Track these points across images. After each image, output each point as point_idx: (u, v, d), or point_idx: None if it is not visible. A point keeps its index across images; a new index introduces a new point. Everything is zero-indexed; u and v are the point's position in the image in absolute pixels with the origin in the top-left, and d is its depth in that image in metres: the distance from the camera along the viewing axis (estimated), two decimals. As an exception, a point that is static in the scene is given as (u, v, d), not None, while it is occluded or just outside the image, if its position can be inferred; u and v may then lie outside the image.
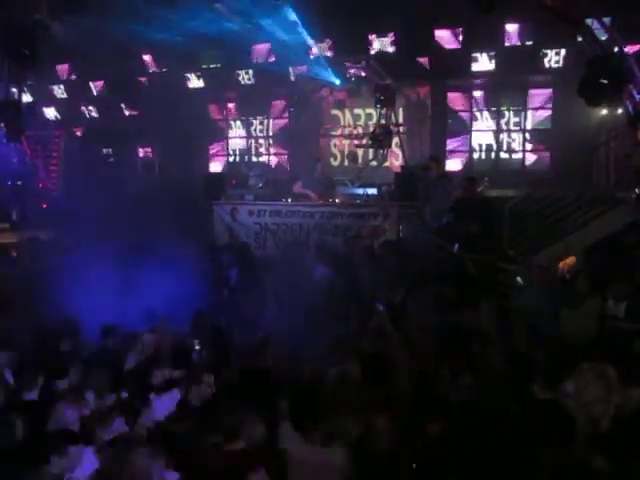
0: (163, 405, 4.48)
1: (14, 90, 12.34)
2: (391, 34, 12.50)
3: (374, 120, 13.75)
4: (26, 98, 14.78)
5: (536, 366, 4.48)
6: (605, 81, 8.11)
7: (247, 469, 3.41)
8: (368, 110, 14.26)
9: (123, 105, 15.07)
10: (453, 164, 13.73)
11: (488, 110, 13.63)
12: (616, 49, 8.41)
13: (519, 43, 11.77)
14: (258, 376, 4.31)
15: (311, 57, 13.03)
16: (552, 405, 3.79)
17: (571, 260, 8.56)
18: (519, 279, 7.40)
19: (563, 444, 3.40)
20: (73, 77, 15.34)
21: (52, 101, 15.56)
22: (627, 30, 9.08)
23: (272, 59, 13.51)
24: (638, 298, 5.99)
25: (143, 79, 14.69)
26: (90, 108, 15.51)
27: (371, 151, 13.36)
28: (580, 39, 9.21)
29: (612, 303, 6.12)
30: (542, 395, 4.06)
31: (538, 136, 13.34)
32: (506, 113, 13.53)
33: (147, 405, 4.39)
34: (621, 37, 8.59)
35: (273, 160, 15.67)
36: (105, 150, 15.93)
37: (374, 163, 13.21)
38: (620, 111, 9.69)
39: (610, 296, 6.12)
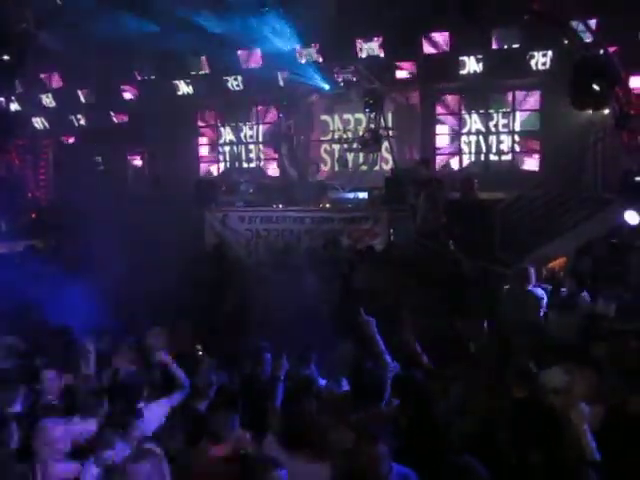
0: (153, 416, 4.44)
1: (2, 99, 12.31)
2: (379, 38, 12.53)
3: (363, 125, 13.80)
4: (14, 107, 14.75)
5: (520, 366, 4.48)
6: (596, 85, 8.16)
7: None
8: (357, 115, 14.29)
9: (112, 113, 15.02)
10: (443, 167, 13.78)
11: (477, 113, 13.69)
12: (601, 51, 8.47)
13: (506, 46, 11.83)
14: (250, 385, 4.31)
15: (299, 62, 13.04)
16: (535, 404, 3.81)
17: (561, 261, 8.61)
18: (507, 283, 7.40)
19: (551, 443, 3.42)
20: (61, 86, 15.27)
21: (41, 110, 15.49)
22: (612, 32, 9.17)
23: (260, 65, 13.51)
24: (628, 299, 6.02)
25: (132, 86, 14.66)
26: (79, 116, 15.45)
27: (361, 155, 13.40)
28: (566, 41, 9.27)
29: (602, 303, 6.16)
30: (519, 394, 4.06)
31: (527, 138, 13.41)
32: (495, 115, 13.60)
33: (139, 417, 4.33)
34: (606, 39, 8.66)
35: (263, 166, 15.66)
36: (95, 158, 15.87)
37: (364, 167, 13.24)
38: (607, 112, 9.77)
39: (600, 296, 6.15)
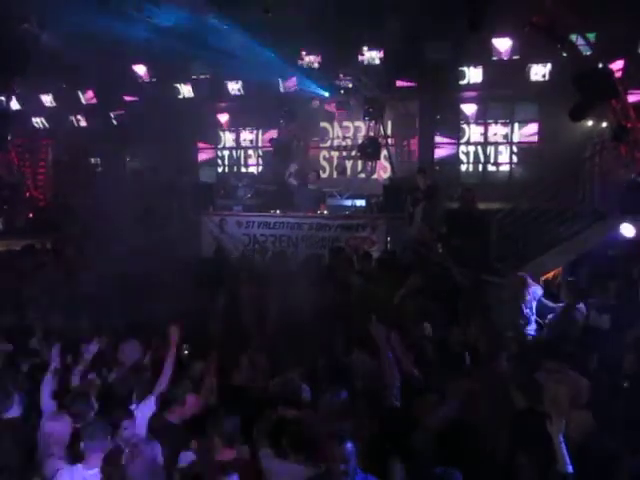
0: (143, 416, 4.46)
1: (2, 98, 12.32)
2: (380, 47, 12.60)
3: (363, 132, 13.86)
4: (15, 106, 14.76)
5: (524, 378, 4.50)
6: (593, 98, 8.23)
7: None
8: (357, 123, 14.34)
9: (112, 115, 15.03)
10: (440, 176, 13.81)
11: (475, 123, 13.77)
12: (600, 65, 8.55)
13: (506, 58, 11.92)
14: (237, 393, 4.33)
15: (300, 69, 13.09)
16: (531, 414, 3.84)
17: (557, 272, 8.65)
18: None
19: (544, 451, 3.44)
20: (62, 86, 15.29)
21: (41, 110, 15.50)
22: (610, 46, 9.26)
23: (261, 71, 13.54)
24: (620, 310, 6.05)
25: (133, 89, 14.67)
26: (79, 117, 15.46)
27: (360, 163, 13.44)
28: (565, 54, 9.36)
29: (594, 314, 6.19)
30: (520, 404, 4.10)
31: (525, 149, 13.49)
32: (493, 126, 13.69)
33: (128, 418, 4.33)
34: (604, 53, 8.75)
35: (262, 171, 15.69)
36: (93, 160, 15.88)
37: (362, 175, 13.28)
38: (605, 124, 9.85)
39: (592, 308, 6.19)
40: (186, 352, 5.54)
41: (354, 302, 7.15)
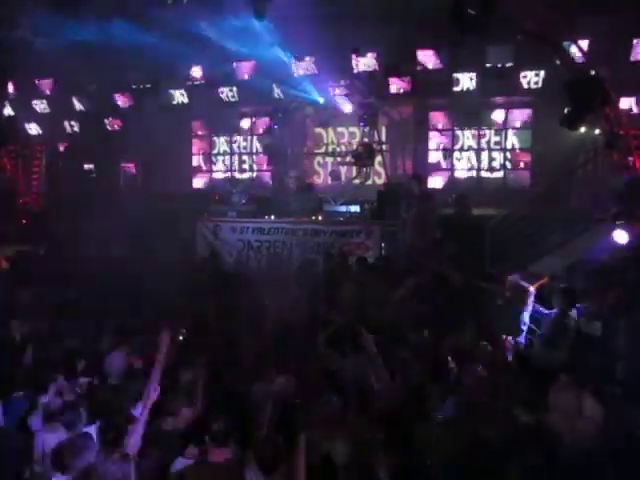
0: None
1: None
2: (374, 53, 12.63)
3: (357, 138, 13.88)
4: (8, 112, 14.71)
5: (517, 388, 4.50)
6: (586, 105, 8.27)
7: None
8: (351, 128, 14.38)
9: (106, 121, 14.99)
10: (435, 182, 13.86)
11: (469, 129, 13.82)
12: (592, 72, 8.60)
13: (499, 64, 11.96)
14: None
15: (295, 75, 13.11)
16: (535, 428, 3.83)
17: (546, 279, 8.66)
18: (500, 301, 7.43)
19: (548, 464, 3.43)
20: (56, 92, 15.25)
21: (34, 116, 15.44)
22: (603, 53, 9.32)
23: (256, 76, 13.55)
24: (611, 317, 6.06)
25: (126, 94, 14.63)
26: (72, 123, 15.41)
27: (354, 169, 13.46)
28: (558, 62, 9.40)
29: (584, 321, 6.20)
30: (523, 418, 4.08)
31: (518, 155, 13.54)
32: (487, 132, 13.73)
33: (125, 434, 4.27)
34: (597, 60, 8.80)
35: (256, 177, 15.69)
36: (87, 166, 15.83)
37: (357, 181, 13.30)
38: (598, 131, 9.90)
39: (582, 314, 6.20)
40: (181, 337, 5.57)
41: (348, 306, 7.14)
